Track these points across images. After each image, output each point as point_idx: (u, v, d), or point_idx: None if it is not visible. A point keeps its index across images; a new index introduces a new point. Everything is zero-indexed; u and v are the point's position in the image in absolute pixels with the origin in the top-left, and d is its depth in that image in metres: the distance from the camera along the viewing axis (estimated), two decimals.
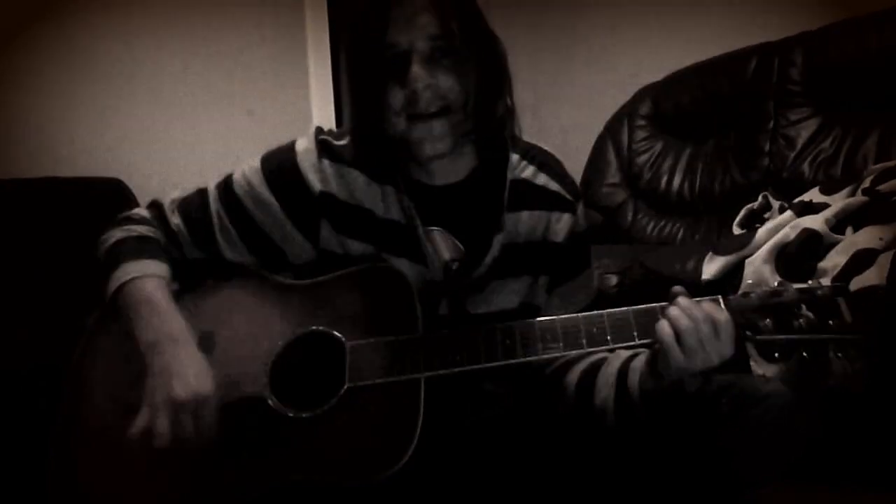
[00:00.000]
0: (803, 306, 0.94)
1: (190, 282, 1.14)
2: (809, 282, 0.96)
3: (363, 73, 1.03)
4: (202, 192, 1.16)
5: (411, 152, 1.05)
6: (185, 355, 1.01)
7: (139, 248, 1.11)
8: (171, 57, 2.55)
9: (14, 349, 1.52)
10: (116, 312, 1.07)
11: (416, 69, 0.98)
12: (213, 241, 1.14)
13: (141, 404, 0.98)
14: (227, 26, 2.69)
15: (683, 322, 0.93)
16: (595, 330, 0.99)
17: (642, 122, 2.87)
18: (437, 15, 0.99)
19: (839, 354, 0.92)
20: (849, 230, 1.76)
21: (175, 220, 1.15)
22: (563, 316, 1.02)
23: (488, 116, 1.06)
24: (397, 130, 1.03)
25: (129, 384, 1.05)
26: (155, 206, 1.18)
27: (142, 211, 1.18)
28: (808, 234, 1.75)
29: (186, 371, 0.99)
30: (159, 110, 2.52)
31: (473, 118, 1.04)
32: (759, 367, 1.20)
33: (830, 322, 0.93)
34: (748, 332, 0.95)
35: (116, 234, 1.13)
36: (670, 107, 2.80)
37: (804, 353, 0.94)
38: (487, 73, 1.04)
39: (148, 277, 1.07)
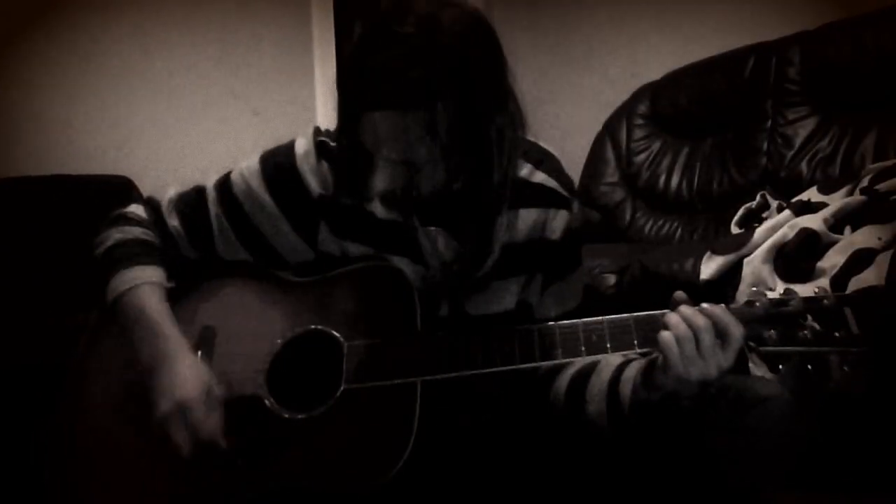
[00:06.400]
0: (809, 316, 0.91)
1: (190, 278, 1.14)
2: (815, 290, 0.93)
3: (346, 101, 0.99)
4: (200, 192, 1.15)
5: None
6: (184, 367, 1.02)
7: (135, 252, 1.11)
8: (180, 56, 2.57)
9: (21, 348, 1.52)
10: (115, 321, 1.08)
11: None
12: (210, 242, 1.14)
13: (150, 420, 1.00)
14: (235, 27, 2.71)
15: (681, 328, 0.91)
16: (594, 337, 0.98)
17: (640, 121, 2.88)
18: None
19: (845, 368, 0.88)
20: (847, 230, 1.76)
21: (173, 221, 1.14)
22: (562, 322, 1.01)
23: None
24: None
25: (130, 383, 1.05)
26: (152, 206, 1.17)
27: (138, 209, 1.17)
28: (806, 234, 1.75)
29: (186, 381, 1.01)
30: (168, 109, 2.53)
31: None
32: (758, 370, 1.18)
33: (837, 334, 0.90)
34: (751, 343, 0.92)
35: (113, 235, 1.13)
36: (668, 106, 2.80)
37: (808, 366, 0.90)
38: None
39: (144, 286, 1.08)
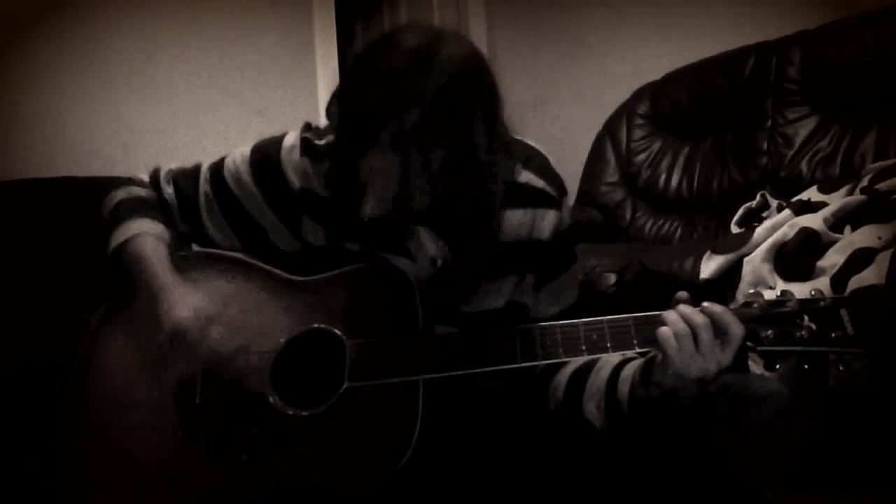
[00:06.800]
0: (805, 317, 0.92)
1: (194, 274, 1.15)
2: (811, 291, 0.94)
3: (343, 143, 1.01)
4: (196, 170, 1.21)
5: None
6: (179, 297, 1.08)
7: (136, 207, 1.17)
8: (182, 57, 2.58)
9: (21, 348, 1.53)
10: (120, 267, 1.14)
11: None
12: (199, 218, 1.19)
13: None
14: (237, 28, 2.71)
15: (680, 326, 0.92)
16: (595, 336, 0.98)
17: (641, 121, 2.87)
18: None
19: (841, 367, 0.90)
20: (847, 229, 1.76)
21: (168, 189, 1.20)
22: (563, 322, 1.01)
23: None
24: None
25: (135, 378, 1.07)
26: (154, 173, 1.24)
27: (144, 176, 1.24)
28: (806, 233, 1.75)
29: (183, 304, 1.07)
30: (169, 110, 2.54)
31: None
32: (758, 368, 1.19)
33: (833, 334, 0.91)
34: (749, 343, 0.94)
35: (118, 195, 1.20)
36: (668, 105, 2.80)
37: (805, 366, 0.92)
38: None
39: (142, 235, 1.13)
